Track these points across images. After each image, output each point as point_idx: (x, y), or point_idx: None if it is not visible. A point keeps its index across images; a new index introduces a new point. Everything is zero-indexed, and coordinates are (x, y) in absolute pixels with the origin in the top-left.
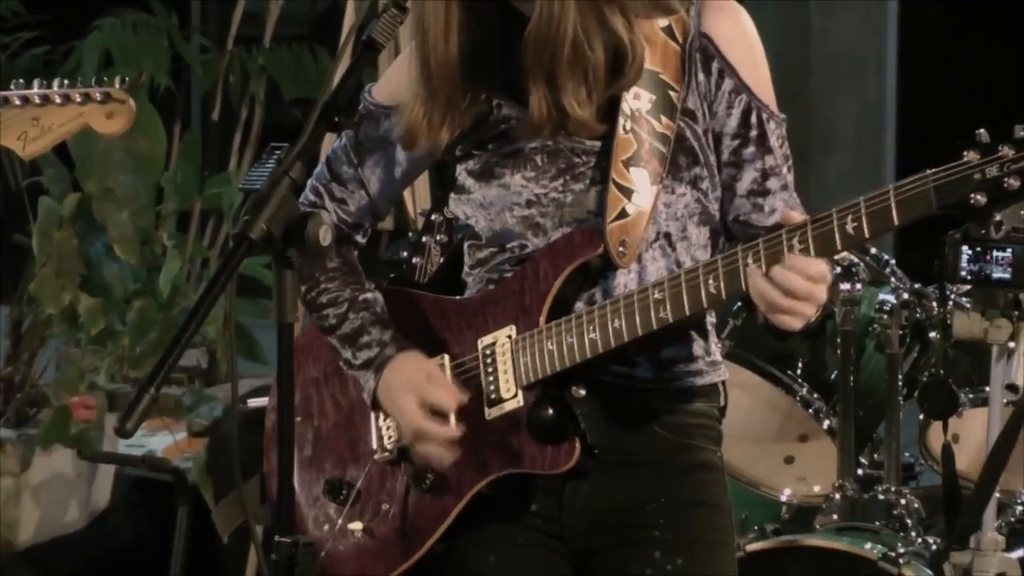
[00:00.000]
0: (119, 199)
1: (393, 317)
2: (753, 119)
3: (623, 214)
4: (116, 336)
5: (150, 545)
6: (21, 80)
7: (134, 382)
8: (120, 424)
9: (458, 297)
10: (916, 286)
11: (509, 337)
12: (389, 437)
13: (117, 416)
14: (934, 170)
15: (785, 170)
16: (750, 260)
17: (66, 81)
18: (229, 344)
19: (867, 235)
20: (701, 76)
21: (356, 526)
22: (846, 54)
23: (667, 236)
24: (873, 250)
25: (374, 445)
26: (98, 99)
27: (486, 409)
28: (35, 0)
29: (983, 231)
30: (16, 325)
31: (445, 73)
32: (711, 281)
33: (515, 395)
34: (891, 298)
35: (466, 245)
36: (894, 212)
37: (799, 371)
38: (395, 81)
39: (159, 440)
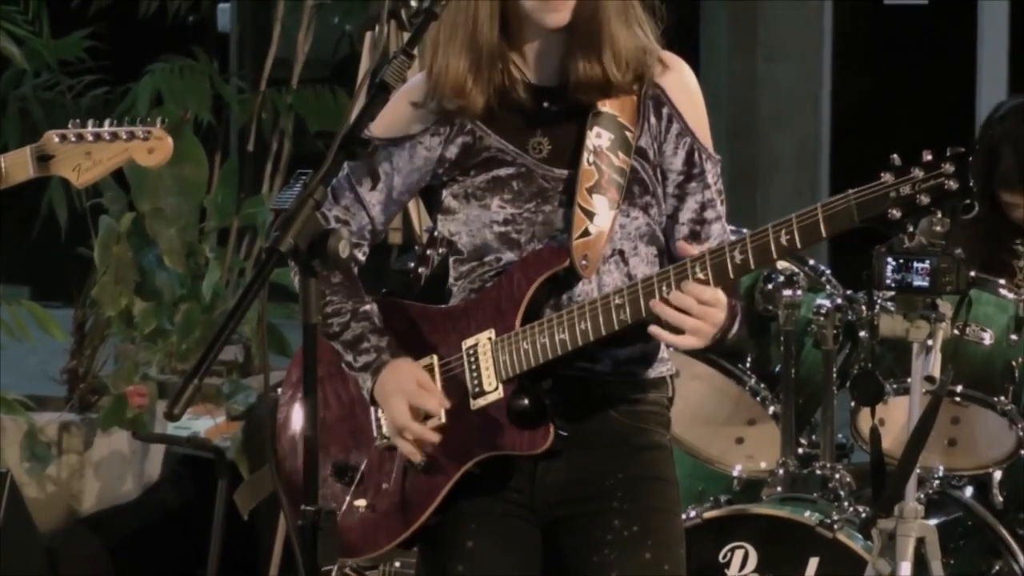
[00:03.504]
0: (168, 217)
1: (387, 324)
2: (695, 159)
3: (586, 233)
4: (165, 334)
5: (195, 512)
6: (78, 120)
7: (181, 373)
8: (169, 409)
9: (443, 306)
10: (848, 292)
11: (489, 339)
12: (387, 427)
13: (166, 402)
14: (855, 189)
15: (719, 203)
16: (698, 270)
17: (114, 121)
18: (262, 341)
19: (799, 246)
20: (653, 120)
21: (360, 503)
22: (787, 94)
23: (621, 252)
24: (811, 261)
25: (374, 433)
26: (141, 137)
27: (471, 401)
28: (96, 48)
29: (900, 238)
30: (80, 325)
31: (488, 50)
32: (664, 288)
33: (496, 388)
34: (826, 302)
35: (451, 259)
36: (822, 226)
37: (748, 364)
38: (390, 117)
39: (202, 423)
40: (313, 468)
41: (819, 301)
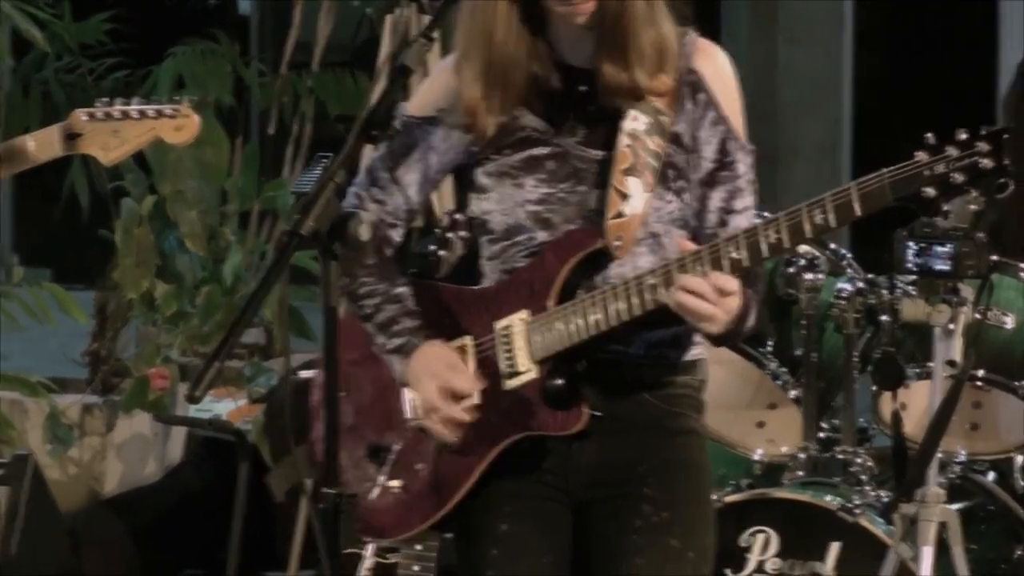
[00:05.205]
0: (189, 200)
1: (421, 306)
2: (728, 147)
3: (620, 214)
4: (187, 317)
5: (216, 495)
6: (105, 99)
7: (202, 356)
8: (190, 392)
9: (476, 287)
10: (869, 276)
11: (523, 320)
12: (418, 408)
13: (188, 385)
14: (890, 168)
15: (748, 193)
16: (731, 249)
17: (141, 99)
18: (283, 324)
19: (833, 225)
20: (689, 105)
21: (395, 484)
22: (809, 80)
23: (655, 236)
24: (832, 245)
25: (407, 415)
26: (168, 114)
27: (505, 382)
28: (118, 31)
29: (933, 218)
30: (102, 308)
31: (506, 67)
32: (698, 267)
33: (529, 369)
34: (848, 286)
35: (483, 239)
36: (856, 204)
37: (769, 348)
38: (426, 96)
39: (224, 406)
40: (333, 450)
41: (840, 285)
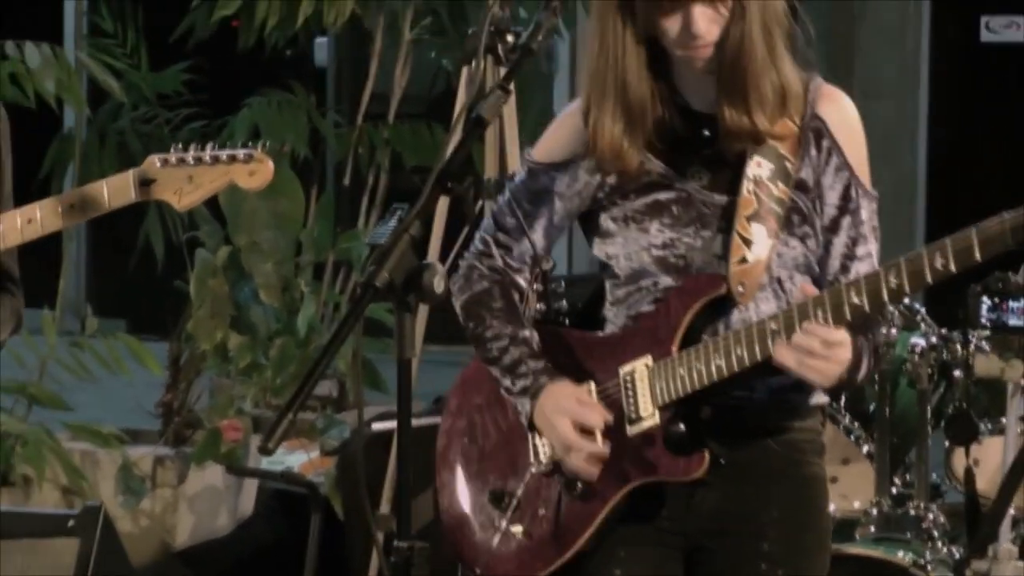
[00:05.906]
0: (264, 251)
1: (547, 350)
2: (852, 193)
3: (744, 260)
4: (260, 369)
5: (288, 547)
6: (179, 144)
7: (275, 408)
8: (263, 444)
9: (600, 333)
10: (943, 331)
11: (646, 365)
12: (545, 452)
13: (260, 437)
14: (1009, 212)
15: (872, 240)
16: (852, 295)
17: (215, 145)
18: (356, 376)
19: (953, 270)
20: (813, 151)
21: (517, 529)
22: (884, 132)
23: (779, 281)
24: (906, 300)
25: (531, 459)
26: (242, 159)
27: (627, 427)
28: (194, 81)
29: (996, 276)
30: (175, 359)
31: (640, 107)
32: (819, 313)
33: (652, 414)
34: (921, 341)
35: (608, 284)
36: (976, 249)
37: (842, 403)
38: (551, 141)
39: (296, 458)
40: (405, 503)
41: (914, 340)
